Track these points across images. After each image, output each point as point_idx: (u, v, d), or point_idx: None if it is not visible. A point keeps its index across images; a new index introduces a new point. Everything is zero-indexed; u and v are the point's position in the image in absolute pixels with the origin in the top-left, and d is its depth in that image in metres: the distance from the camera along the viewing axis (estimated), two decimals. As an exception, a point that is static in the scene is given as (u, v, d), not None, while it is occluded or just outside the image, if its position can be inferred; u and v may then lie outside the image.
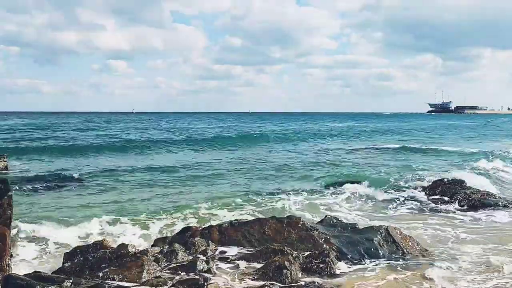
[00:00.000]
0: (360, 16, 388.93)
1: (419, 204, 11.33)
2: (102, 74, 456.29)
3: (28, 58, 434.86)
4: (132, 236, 8.48)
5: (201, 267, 6.28)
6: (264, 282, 5.90)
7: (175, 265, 6.44)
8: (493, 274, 6.35)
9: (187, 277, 5.97)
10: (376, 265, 6.78)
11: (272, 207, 10.70)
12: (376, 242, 7.31)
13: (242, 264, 6.61)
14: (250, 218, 8.84)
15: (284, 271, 6.07)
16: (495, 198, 11.24)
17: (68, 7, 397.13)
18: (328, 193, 12.49)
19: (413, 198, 11.81)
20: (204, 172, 16.79)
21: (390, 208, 10.98)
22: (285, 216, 8.17)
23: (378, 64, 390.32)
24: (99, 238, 7.80)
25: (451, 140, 36.38)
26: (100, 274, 5.95)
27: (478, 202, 10.90)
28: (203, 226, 8.10)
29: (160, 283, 5.87)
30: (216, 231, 7.65)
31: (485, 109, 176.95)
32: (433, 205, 11.16)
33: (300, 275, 6.21)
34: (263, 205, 10.97)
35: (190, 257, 6.66)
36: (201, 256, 6.71)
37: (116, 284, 5.60)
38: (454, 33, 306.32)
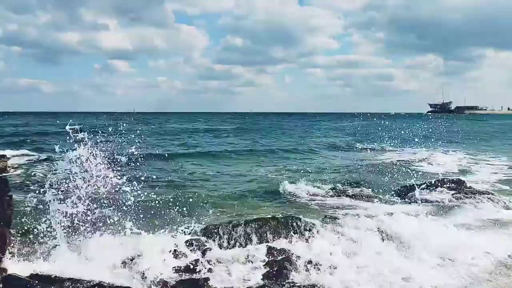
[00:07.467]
0: (362, 16, 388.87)
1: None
2: (103, 74, 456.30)
3: (30, 58, 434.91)
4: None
5: (201, 267, 6.29)
6: (265, 282, 5.90)
7: (175, 265, 6.45)
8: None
9: (187, 277, 5.97)
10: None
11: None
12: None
13: (242, 264, 6.61)
14: (250, 218, 8.83)
15: (284, 271, 6.08)
16: (495, 197, 11.27)
17: (71, 7, 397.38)
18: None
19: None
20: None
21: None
22: (285, 216, 8.16)
23: (379, 64, 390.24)
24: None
25: None
26: (100, 274, 5.95)
27: (478, 202, 10.92)
28: (203, 226, 8.09)
29: (160, 283, 5.88)
30: (216, 231, 7.65)
31: (485, 109, 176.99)
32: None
33: (300, 275, 6.21)
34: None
35: (190, 257, 6.66)
36: (201, 256, 6.72)
37: (116, 284, 5.60)
38: (455, 33, 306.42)
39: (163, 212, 10.24)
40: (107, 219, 9.34)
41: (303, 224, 7.67)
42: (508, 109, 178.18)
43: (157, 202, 11.35)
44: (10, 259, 6.18)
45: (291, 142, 32.93)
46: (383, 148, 28.41)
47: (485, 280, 6.22)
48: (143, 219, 9.55)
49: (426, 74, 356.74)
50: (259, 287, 5.77)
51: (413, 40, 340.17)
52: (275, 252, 6.77)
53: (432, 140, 36.79)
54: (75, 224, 9.28)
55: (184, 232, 7.81)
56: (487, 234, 8.28)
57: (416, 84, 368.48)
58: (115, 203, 11.00)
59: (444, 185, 12.30)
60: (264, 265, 6.34)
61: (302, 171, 17.44)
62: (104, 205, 10.73)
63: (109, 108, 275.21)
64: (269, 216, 8.36)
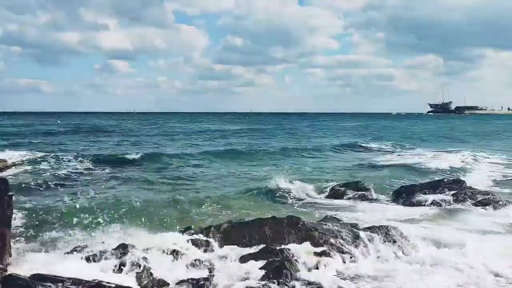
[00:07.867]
0: (362, 16, 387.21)
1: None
2: (103, 74, 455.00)
3: (30, 58, 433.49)
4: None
5: (202, 267, 6.28)
6: (264, 282, 5.89)
7: (175, 264, 6.44)
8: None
9: (188, 277, 5.97)
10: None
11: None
12: (376, 241, 7.31)
13: (242, 264, 6.60)
14: (250, 218, 8.82)
15: (284, 271, 6.06)
16: (495, 197, 11.25)
17: (71, 7, 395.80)
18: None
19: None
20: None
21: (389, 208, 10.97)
22: (285, 216, 8.15)
23: (379, 64, 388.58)
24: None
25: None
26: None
27: (479, 202, 10.90)
28: (204, 226, 8.09)
29: (161, 283, 5.87)
30: (217, 231, 7.64)
31: (485, 110, 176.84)
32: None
33: (300, 275, 6.20)
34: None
35: (191, 257, 6.65)
36: (202, 256, 6.71)
37: (116, 284, 5.59)
38: (455, 33, 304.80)
39: (164, 211, 10.25)
40: (108, 219, 9.36)
41: (303, 224, 7.65)
42: (508, 109, 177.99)
43: (158, 202, 11.37)
44: (10, 258, 6.18)
45: (292, 142, 33.04)
46: (384, 148, 28.44)
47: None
48: (144, 219, 9.56)
49: (426, 74, 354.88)
50: (259, 287, 5.76)
51: (413, 40, 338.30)
52: (275, 252, 6.75)
53: (433, 139, 36.86)
54: (75, 224, 9.30)
55: (185, 231, 7.80)
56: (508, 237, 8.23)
57: (416, 84, 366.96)
58: (116, 203, 11.03)
59: (445, 186, 12.25)
60: (264, 265, 6.32)
61: (303, 171, 17.48)
62: (105, 205, 10.72)
63: (109, 108, 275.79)
64: (269, 216, 8.34)
